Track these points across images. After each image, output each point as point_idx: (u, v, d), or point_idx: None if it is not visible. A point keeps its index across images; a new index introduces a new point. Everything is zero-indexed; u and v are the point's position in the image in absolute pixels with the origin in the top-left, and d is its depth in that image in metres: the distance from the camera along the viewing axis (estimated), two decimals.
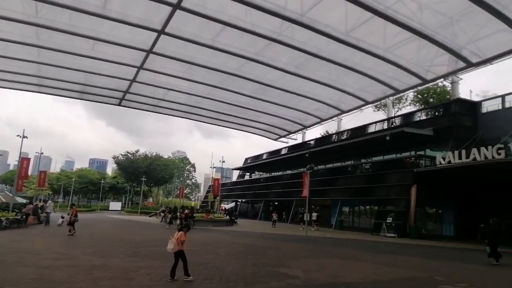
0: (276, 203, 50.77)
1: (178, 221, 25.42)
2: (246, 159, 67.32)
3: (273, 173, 55.49)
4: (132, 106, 46.96)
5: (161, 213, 34.49)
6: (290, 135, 55.84)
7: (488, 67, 29.08)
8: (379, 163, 32.13)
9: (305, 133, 53.19)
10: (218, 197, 55.51)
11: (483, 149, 22.07)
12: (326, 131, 56.42)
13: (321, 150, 40.74)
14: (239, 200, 61.10)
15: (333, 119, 45.45)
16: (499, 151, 21.18)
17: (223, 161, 38.00)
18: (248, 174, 66.32)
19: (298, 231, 26.88)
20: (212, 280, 7.87)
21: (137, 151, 79.02)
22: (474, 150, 22.61)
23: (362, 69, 31.43)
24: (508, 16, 21.65)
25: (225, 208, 63.40)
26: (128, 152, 77.65)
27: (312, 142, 48.40)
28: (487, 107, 29.62)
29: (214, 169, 45.11)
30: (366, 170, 33.82)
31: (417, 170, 26.40)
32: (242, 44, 28.96)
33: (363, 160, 36.34)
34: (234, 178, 78.53)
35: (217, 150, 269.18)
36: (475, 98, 32.22)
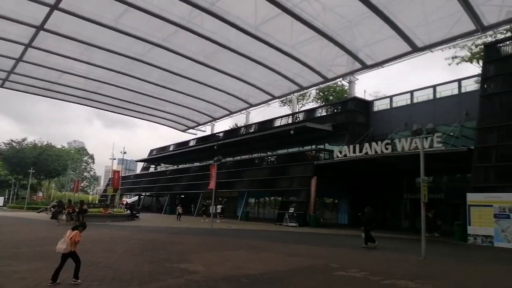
0: (183, 196, 49.72)
1: (64, 216, 23.37)
2: (152, 150, 64.58)
3: (180, 166, 54.13)
4: (18, 88, 41.30)
5: (52, 209, 31.07)
6: (199, 127, 55.05)
7: (380, 69, 32.12)
8: (283, 155, 33.48)
9: (214, 125, 52.95)
10: (118, 191, 52.52)
11: (373, 144, 24.28)
12: (235, 124, 56.99)
13: (229, 143, 40.89)
14: (143, 194, 58.35)
15: (241, 112, 45.97)
16: (387, 146, 23.49)
17: (125, 152, 35.73)
18: (154, 166, 63.75)
19: (203, 224, 26.54)
20: (102, 281, 7.09)
21: (24, 139, 70.21)
22: (366, 145, 24.75)
23: (269, 64, 32.21)
24: (397, 24, 24.01)
25: (126, 202, 60.13)
26: (12, 141, 68.55)
27: (221, 134, 48.36)
28: (378, 106, 32.72)
29: (115, 160, 42.34)
30: (271, 163, 34.94)
31: (317, 163, 28.04)
32: (148, 28, 27.37)
33: (269, 153, 37.44)
34: (139, 171, 74.80)
35: (121, 141, 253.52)
36: (368, 98, 35.33)
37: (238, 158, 40.91)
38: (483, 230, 16.61)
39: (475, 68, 32.54)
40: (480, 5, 22.02)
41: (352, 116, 31.55)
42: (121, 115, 53.04)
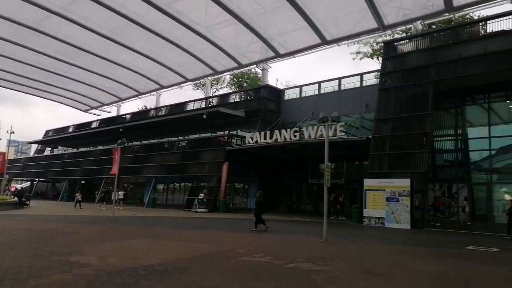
0: (83, 182, 45.85)
1: None
2: (47, 131, 58.09)
3: (80, 149, 49.61)
4: None
5: None
6: (103, 107, 51.11)
7: (293, 59, 33.07)
8: (195, 140, 32.71)
9: (120, 106, 49.57)
10: (5, 175, 46.34)
11: (283, 131, 24.94)
12: (145, 106, 54.09)
13: (137, 125, 38.59)
14: (36, 179, 52.34)
15: (151, 93, 43.74)
16: (295, 134, 24.31)
17: (12, 132, 31.31)
18: (50, 149, 57.53)
19: (104, 211, 24.61)
20: None
21: None
22: (276, 132, 25.31)
23: (183, 45, 30.97)
24: (309, 16, 24.77)
25: (15, 188, 53.40)
26: None
27: (128, 116, 45.37)
28: (288, 95, 33.71)
29: (4, 141, 37.05)
30: (182, 147, 33.88)
31: (228, 148, 27.92)
32: None
33: (180, 137, 36.23)
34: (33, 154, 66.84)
35: (12, 120, 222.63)
36: (280, 86, 36.18)
37: (147, 142, 38.90)
38: (376, 213, 18.20)
39: (375, 64, 35.43)
40: (382, 5, 23.82)
41: (264, 103, 32.00)
42: (14, 91, 46.27)
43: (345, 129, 23.68)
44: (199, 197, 28.04)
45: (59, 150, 54.59)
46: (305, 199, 31.38)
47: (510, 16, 19.28)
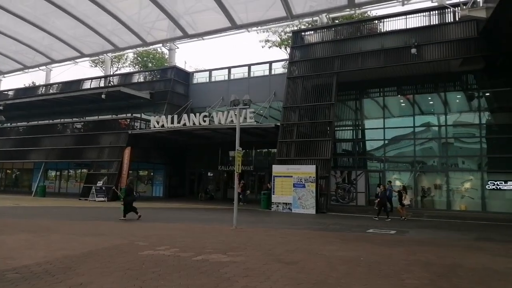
0: None
1: None
2: None
3: None
4: None
5: None
6: None
7: (202, 42, 31.94)
8: (92, 123, 29.62)
9: (1, 80, 42.68)
10: None
11: (192, 115, 23.94)
12: (33, 82, 47.46)
13: (22, 103, 33.61)
14: None
15: (40, 68, 38.46)
16: (204, 119, 23.52)
17: None
18: None
19: None
20: None
21: None
22: (185, 116, 24.22)
23: (78, 15, 27.59)
24: None
25: None
26: None
27: (10, 92, 39.30)
28: (197, 78, 32.58)
29: None
30: (77, 130, 30.45)
31: (131, 132, 25.91)
32: None
33: (74, 119, 32.52)
34: None
35: None
36: (189, 70, 34.72)
37: (35, 123, 34.20)
38: (284, 198, 18.53)
39: (284, 54, 36.24)
40: None
41: (171, 86, 30.37)
42: None
43: (254, 117, 23.70)
44: (97, 184, 25.58)
45: None
46: (215, 186, 30.87)
47: (402, 17, 21.08)
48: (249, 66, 30.25)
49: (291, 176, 18.52)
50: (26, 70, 39.43)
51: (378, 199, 15.91)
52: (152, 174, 31.49)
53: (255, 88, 28.57)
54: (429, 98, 22.46)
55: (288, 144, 20.94)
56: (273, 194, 19.16)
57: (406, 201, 15.91)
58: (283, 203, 18.63)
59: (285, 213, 18.01)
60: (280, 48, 36.15)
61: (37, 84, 43.84)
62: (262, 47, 36.67)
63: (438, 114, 21.60)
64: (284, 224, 13.23)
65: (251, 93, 28.66)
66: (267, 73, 29.18)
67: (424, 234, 11.54)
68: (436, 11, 20.02)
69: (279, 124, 21.75)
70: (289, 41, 35.53)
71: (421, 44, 19.18)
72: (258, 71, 29.89)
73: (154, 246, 7.89)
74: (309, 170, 18.30)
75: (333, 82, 21.04)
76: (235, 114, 23.16)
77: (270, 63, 29.31)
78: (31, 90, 37.74)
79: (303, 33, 24.44)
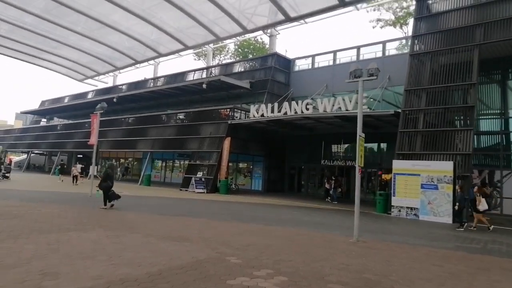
0: (80, 156, 43.16)
1: None
2: (43, 101, 55.06)
3: (76, 120, 46.57)
4: None
5: None
6: (100, 77, 47.79)
7: (304, 27, 29.38)
8: (194, 113, 29.27)
9: (117, 76, 46.13)
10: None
11: (294, 103, 21.60)
12: (144, 78, 50.56)
13: (133, 96, 35.31)
14: (29, 152, 49.49)
15: (149, 62, 40.26)
16: (308, 106, 20.97)
17: None
18: (45, 119, 54.70)
19: (79, 187, 21.56)
20: None
21: None
22: (286, 105, 21.99)
23: (181, 4, 27.23)
24: None
25: (10, 161, 50.82)
26: None
27: (124, 86, 41.98)
28: (299, 65, 30.10)
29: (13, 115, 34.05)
30: (180, 121, 30.59)
31: (231, 122, 24.62)
32: None
33: (177, 110, 32.87)
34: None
35: (19, 90, 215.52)
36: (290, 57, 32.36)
37: (143, 114, 35.65)
38: (408, 202, 14.91)
39: (399, 33, 31.60)
40: None
41: (271, 74, 28.44)
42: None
43: (366, 103, 20.30)
44: (197, 176, 24.97)
45: (55, 122, 51.69)
46: (315, 182, 28.12)
47: None
48: (357, 48, 26.70)
49: (419, 175, 14.77)
50: (137, 65, 41.65)
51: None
52: (251, 167, 30.08)
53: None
54: None
55: (412, 135, 17.07)
56: (393, 196, 15.61)
57: (482, 206, 12.24)
58: (407, 207, 14.99)
59: (410, 220, 14.37)
60: (395, 27, 31.53)
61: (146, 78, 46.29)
62: (373, 27, 32.79)
63: None
64: (418, 238, 9.91)
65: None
66: (379, 55, 25.32)
67: None
68: None
69: (399, 110, 17.99)
70: (406, 19, 30.85)
71: None
72: (368, 53, 26.20)
73: (251, 267, 5.57)
74: (444, 167, 14.33)
75: (473, 57, 16.49)
76: (343, 100, 20.19)
77: (384, 43, 25.36)
78: (141, 83, 39.64)
79: (430, 0, 20.01)
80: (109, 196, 12.62)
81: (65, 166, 31.80)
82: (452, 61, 17.22)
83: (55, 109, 49.26)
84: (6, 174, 25.99)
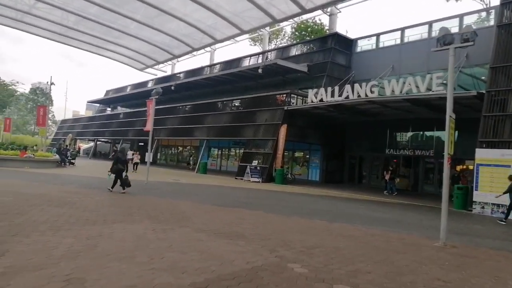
0: (141, 144, 44.58)
1: None
2: (108, 91, 57.76)
3: (136, 109, 48.15)
4: None
5: None
6: (159, 66, 48.77)
7: (368, 3, 27.00)
8: (249, 100, 28.37)
9: (174, 64, 46.75)
10: (70, 135, 46.90)
11: (357, 86, 19.82)
12: (201, 66, 50.89)
13: (189, 83, 35.37)
14: (94, 139, 52.21)
15: (206, 49, 40.09)
16: (373, 89, 19.08)
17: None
18: (110, 109, 57.41)
19: (136, 175, 21.48)
20: None
21: None
22: (347, 88, 20.29)
23: None
24: None
25: (79, 148, 54.16)
26: None
27: (181, 74, 42.34)
28: (361, 46, 27.89)
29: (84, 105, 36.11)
30: (236, 108, 29.94)
31: (287, 108, 23.38)
32: None
33: (232, 97, 32.28)
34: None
35: (87, 82, 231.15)
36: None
37: (199, 102, 35.64)
38: (494, 197, 12.72)
39: (479, 5, 27.93)
40: None
41: (331, 56, 26.61)
42: (62, 44, 44.80)
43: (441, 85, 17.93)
44: (252, 164, 24.17)
45: (118, 111, 53.99)
46: (378, 172, 26.01)
47: None
48: (429, 24, 23.99)
49: (509, 166, 12.51)
50: (194, 53, 41.72)
51: None
52: (308, 156, 28.65)
53: (437, 52, 22.32)
54: None
55: (499, 119, 14.62)
56: (476, 190, 13.47)
57: None
58: (493, 204, 12.82)
59: (496, 218, 12.21)
60: None
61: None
62: (447, 0, 28.98)
63: None
64: None
65: (431, 58, 22.65)
66: (455, 30, 22.35)
67: None
68: None
69: (483, 91, 15.55)
70: None
71: None
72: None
73: (320, 280, 4.42)
74: None
75: None
76: (414, 81, 17.95)
77: (461, 16, 22.42)
78: (197, 71, 39.62)
79: None
80: (122, 181, 12.21)
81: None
82: None
83: (118, 98, 51.31)
84: (72, 160, 27.15)
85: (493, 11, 21.35)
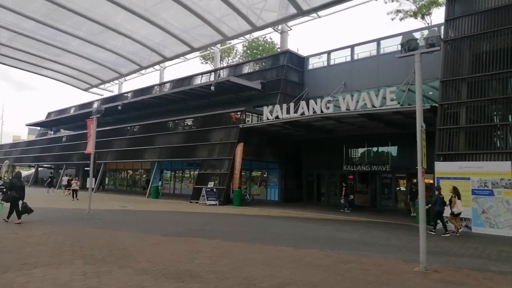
0: (87, 168, 41.43)
1: None
2: (50, 113, 53.74)
3: (82, 131, 44.98)
4: None
5: None
6: (105, 86, 46.26)
7: (317, 22, 27.43)
8: (202, 118, 27.19)
9: (122, 83, 44.58)
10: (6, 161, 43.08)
11: (312, 102, 19.51)
12: (151, 85, 48.99)
13: (138, 103, 33.58)
14: (39, 165, 47.96)
15: (154, 67, 38.57)
16: (328, 105, 18.86)
17: None
18: (52, 131, 53.38)
19: (78, 203, 19.34)
20: None
21: None
22: (303, 104, 19.96)
23: (185, 1, 25.41)
24: None
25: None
26: None
27: (129, 94, 40.31)
28: (313, 63, 28.04)
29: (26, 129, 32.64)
30: (188, 127, 28.62)
31: (242, 126, 22.57)
32: None
33: (184, 116, 30.95)
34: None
35: (31, 105, 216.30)
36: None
37: (149, 122, 33.87)
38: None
39: (421, 25, 29.28)
40: None
41: (284, 73, 26.40)
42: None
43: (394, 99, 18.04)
44: (208, 186, 22.90)
45: (62, 134, 50.25)
46: (336, 189, 25.70)
47: None
48: (377, 41, 24.59)
49: (468, 178, 12.46)
50: (143, 72, 40.00)
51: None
52: (265, 175, 27.87)
53: (386, 68, 22.91)
54: None
55: (453, 132, 14.76)
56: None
57: (457, 209, 11.34)
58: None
59: (463, 233, 12.00)
60: (416, 17, 29.18)
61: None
62: (392, 19, 30.17)
63: None
64: (497, 262, 7.64)
65: (383, 74, 23.19)
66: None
67: None
68: None
69: (436, 105, 15.74)
70: (428, 8, 28.66)
71: None
72: (389, 46, 24.05)
73: None
74: (501, 168, 12.03)
75: None
76: (368, 95, 17.82)
77: (407, 33, 23.04)
78: (146, 90, 37.91)
79: None
80: (21, 209, 10.84)
81: (54, 179, 31.33)
82: (494, 46, 14.94)
83: (61, 120, 47.82)
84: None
85: (435, 29, 22.25)
